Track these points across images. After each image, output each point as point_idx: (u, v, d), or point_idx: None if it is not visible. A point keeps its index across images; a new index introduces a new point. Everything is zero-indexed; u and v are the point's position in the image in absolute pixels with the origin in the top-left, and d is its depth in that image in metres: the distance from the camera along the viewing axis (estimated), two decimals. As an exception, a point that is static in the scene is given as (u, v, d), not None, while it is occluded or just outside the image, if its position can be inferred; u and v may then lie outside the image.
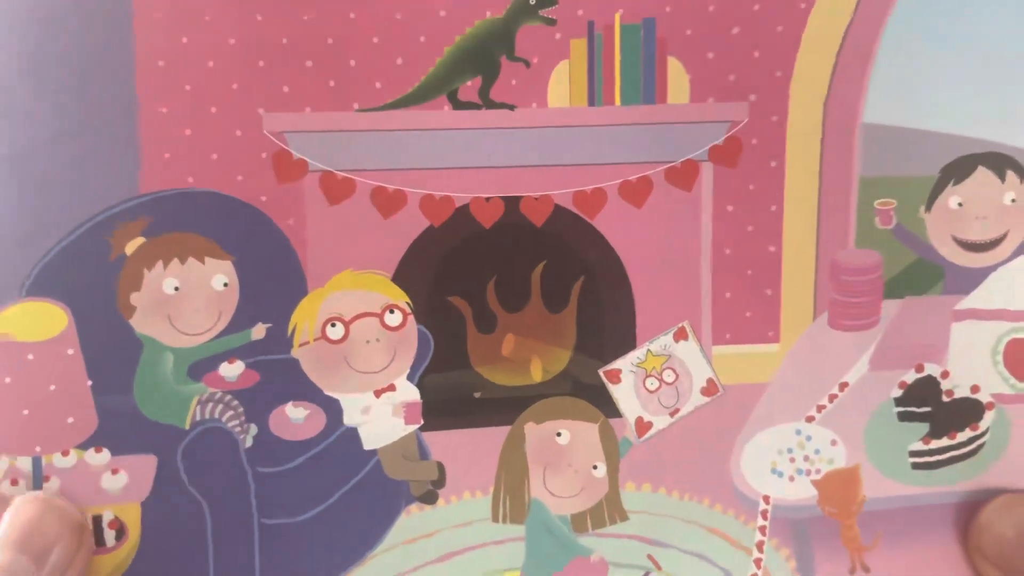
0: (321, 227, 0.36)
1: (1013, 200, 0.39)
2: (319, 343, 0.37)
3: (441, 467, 0.38)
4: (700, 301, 0.39)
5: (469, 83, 0.37)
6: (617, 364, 0.39)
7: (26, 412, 0.35)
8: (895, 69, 0.38)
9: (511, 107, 0.37)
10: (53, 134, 0.34)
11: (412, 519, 0.38)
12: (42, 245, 0.34)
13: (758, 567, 0.39)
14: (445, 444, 0.38)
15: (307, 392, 0.37)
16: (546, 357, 0.38)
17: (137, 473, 0.36)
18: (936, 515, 0.40)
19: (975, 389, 0.40)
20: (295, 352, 0.36)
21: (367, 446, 0.37)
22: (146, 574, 0.36)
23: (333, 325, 0.37)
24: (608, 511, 0.39)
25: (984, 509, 0.39)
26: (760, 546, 0.39)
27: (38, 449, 0.35)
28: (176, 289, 0.36)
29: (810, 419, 0.40)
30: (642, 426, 0.39)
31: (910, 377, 0.40)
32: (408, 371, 0.37)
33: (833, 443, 0.40)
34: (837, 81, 0.38)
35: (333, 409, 0.37)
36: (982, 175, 0.39)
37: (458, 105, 0.37)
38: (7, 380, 0.35)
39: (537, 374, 0.38)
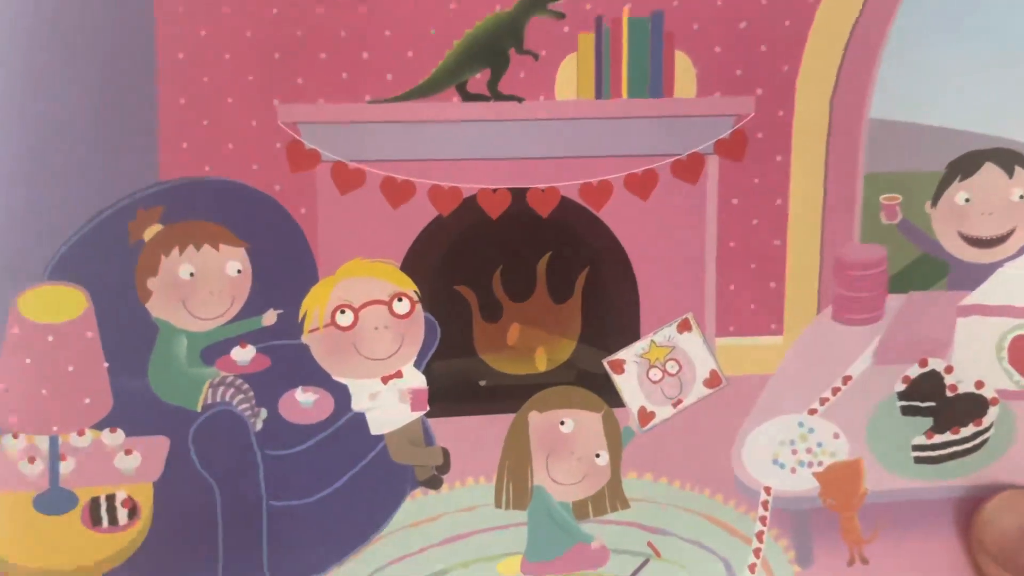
0: (332, 216, 0.39)
1: (1021, 197, 0.41)
2: (329, 330, 0.39)
3: (446, 453, 0.40)
4: (704, 293, 0.41)
5: (478, 75, 0.39)
6: (621, 354, 0.41)
7: (45, 392, 0.38)
8: (902, 64, 0.40)
9: (519, 99, 0.39)
10: (76, 125, 0.37)
11: (417, 503, 0.40)
12: (64, 231, 0.37)
13: (757, 557, 0.41)
14: (450, 430, 0.40)
15: (316, 377, 0.39)
16: (551, 346, 0.41)
17: (150, 454, 0.39)
18: (937, 509, 0.42)
19: (979, 385, 0.42)
20: (305, 338, 0.39)
21: (374, 431, 0.40)
22: (157, 552, 0.39)
23: (343, 312, 0.39)
24: (610, 499, 0.41)
25: (986, 504, 0.41)
26: (760, 536, 0.42)
27: (55, 428, 0.38)
28: (191, 275, 0.38)
29: (813, 412, 0.42)
30: (645, 416, 0.41)
31: (914, 372, 0.42)
32: (415, 358, 0.40)
33: (836, 436, 0.42)
34: (844, 76, 0.40)
35: (341, 394, 0.40)
36: (990, 171, 0.41)
37: (467, 97, 0.39)
38: (27, 361, 0.38)
39: (542, 363, 0.41)
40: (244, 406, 0.39)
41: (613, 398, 0.41)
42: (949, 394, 0.42)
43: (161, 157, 0.38)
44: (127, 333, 0.38)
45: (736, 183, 0.41)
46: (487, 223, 0.40)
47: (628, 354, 0.41)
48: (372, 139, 0.39)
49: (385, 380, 0.40)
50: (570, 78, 0.39)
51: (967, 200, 0.41)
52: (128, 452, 0.39)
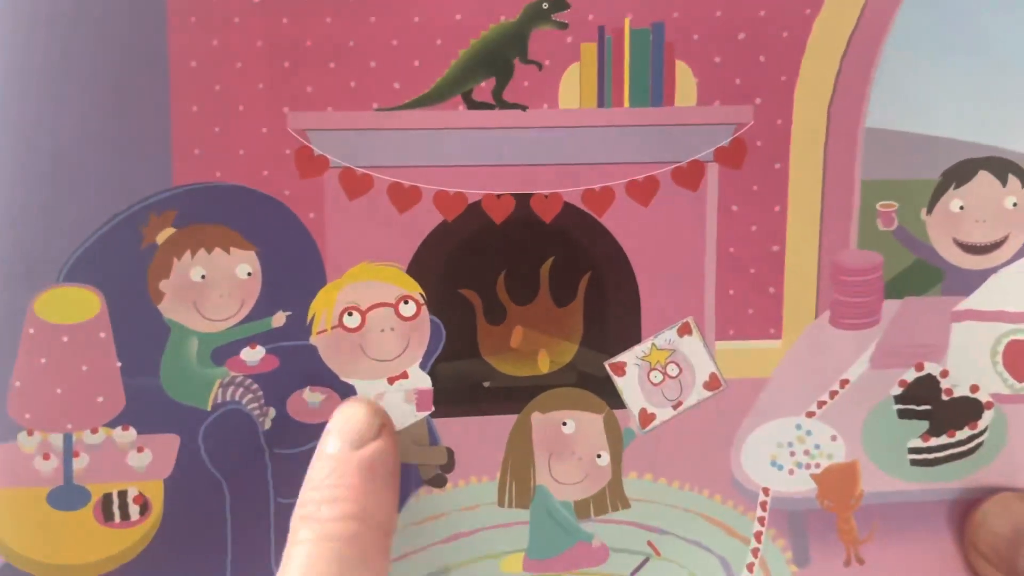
0: (340, 220, 0.41)
1: (1015, 204, 0.43)
2: (336, 331, 0.41)
3: (450, 452, 0.42)
4: (704, 298, 0.43)
5: (483, 84, 0.41)
6: (622, 357, 0.43)
7: (59, 391, 0.40)
8: (898, 74, 0.41)
9: (523, 108, 0.41)
10: (91, 130, 0.39)
11: (421, 501, 0.42)
12: (79, 234, 0.39)
13: (755, 556, 0.43)
14: (454, 430, 0.42)
15: (324, 378, 0.41)
16: (553, 349, 0.42)
17: (161, 451, 0.40)
18: (932, 511, 0.43)
19: (974, 388, 0.44)
20: (313, 339, 0.41)
21: (380, 431, 0.42)
22: (168, 547, 0.40)
23: (350, 314, 0.41)
24: (610, 498, 0.43)
25: (981, 506, 0.43)
26: (758, 536, 0.43)
27: (69, 426, 0.40)
28: (202, 277, 0.40)
29: (810, 415, 0.43)
30: (646, 417, 0.43)
31: (910, 375, 0.43)
32: (420, 360, 0.42)
33: (833, 438, 0.43)
34: (841, 86, 0.41)
35: (348, 394, 0.41)
36: (984, 179, 0.42)
37: (472, 105, 0.41)
38: (43, 360, 0.39)
39: (544, 365, 0.42)
40: (253, 405, 0.41)
41: (614, 400, 0.43)
42: (944, 398, 0.44)
43: (174, 163, 0.40)
44: (140, 334, 0.40)
45: (736, 190, 0.42)
46: (491, 228, 0.42)
47: (629, 357, 0.43)
48: (379, 146, 0.41)
49: (391, 381, 0.42)
50: (573, 87, 0.41)
51: (961, 207, 0.43)
52: (140, 450, 0.40)
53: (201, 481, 0.40)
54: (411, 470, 0.42)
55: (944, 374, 0.43)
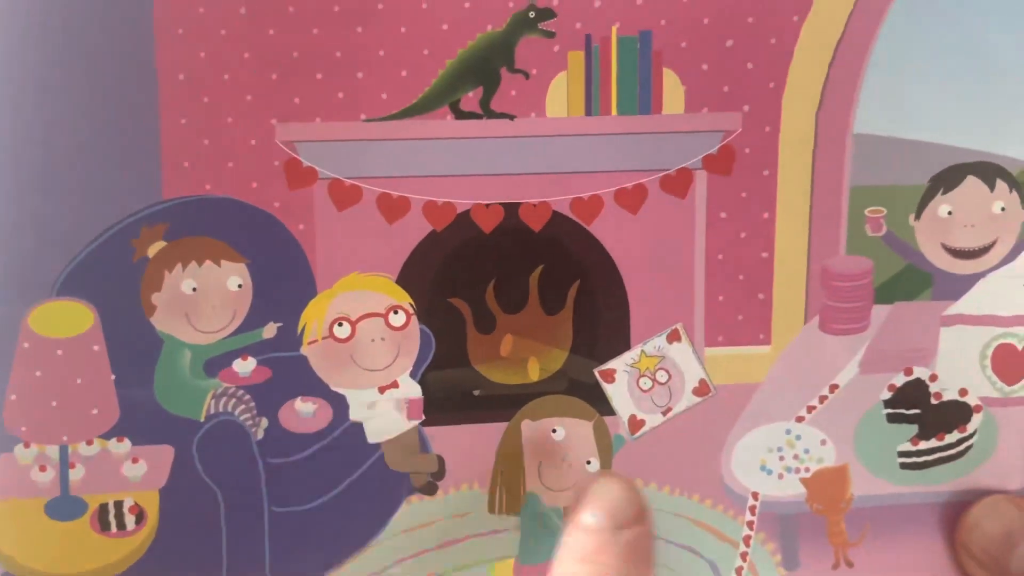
0: (330, 231, 0.42)
1: (1003, 209, 0.44)
2: (327, 341, 0.42)
3: (441, 460, 0.43)
4: (693, 304, 0.44)
5: (471, 94, 0.42)
6: (612, 364, 0.44)
7: (54, 404, 0.41)
8: (885, 81, 0.42)
9: (511, 117, 0.42)
10: (81, 144, 0.40)
11: (413, 509, 0.43)
12: (71, 248, 0.40)
13: (744, 560, 0.44)
14: (445, 438, 0.43)
15: (315, 388, 0.42)
16: (543, 357, 0.43)
17: (155, 462, 0.42)
18: (922, 514, 0.45)
19: (963, 392, 0.44)
20: (304, 350, 0.42)
21: (371, 439, 0.43)
22: (163, 556, 0.42)
23: (340, 324, 0.42)
24: (600, 505, 0.44)
25: (972, 509, 0.44)
26: (747, 540, 0.44)
27: (65, 438, 0.41)
28: (194, 290, 0.41)
29: (800, 419, 0.44)
30: (635, 424, 0.44)
31: (899, 380, 0.44)
32: (411, 369, 0.43)
33: (823, 443, 0.44)
34: (829, 92, 0.42)
35: (340, 404, 0.42)
36: (972, 184, 0.43)
37: (460, 115, 0.42)
38: (38, 373, 0.40)
39: (534, 373, 0.44)
40: (246, 416, 0.42)
41: (604, 406, 0.44)
42: (934, 401, 0.45)
43: (164, 176, 0.41)
44: (133, 346, 0.41)
45: (724, 197, 0.43)
46: (480, 237, 0.43)
47: (619, 364, 0.44)
48: (368, 157, 0.42)
49: (382, 390, 0.43)
50: (561, 96, 0.42)
51: (950, 213, 0.44)
52: (135, 460, 0.42)
53: (196, 491, 0.42)
54: (402, 478, 0.43)
55: (933, 378, 0.44)
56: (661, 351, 0.44)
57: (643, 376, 0.44)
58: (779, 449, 0.44)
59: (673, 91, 0.42)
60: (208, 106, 0.40)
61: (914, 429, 0.44)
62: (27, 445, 0.41)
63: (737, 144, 0.42)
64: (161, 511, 0.42)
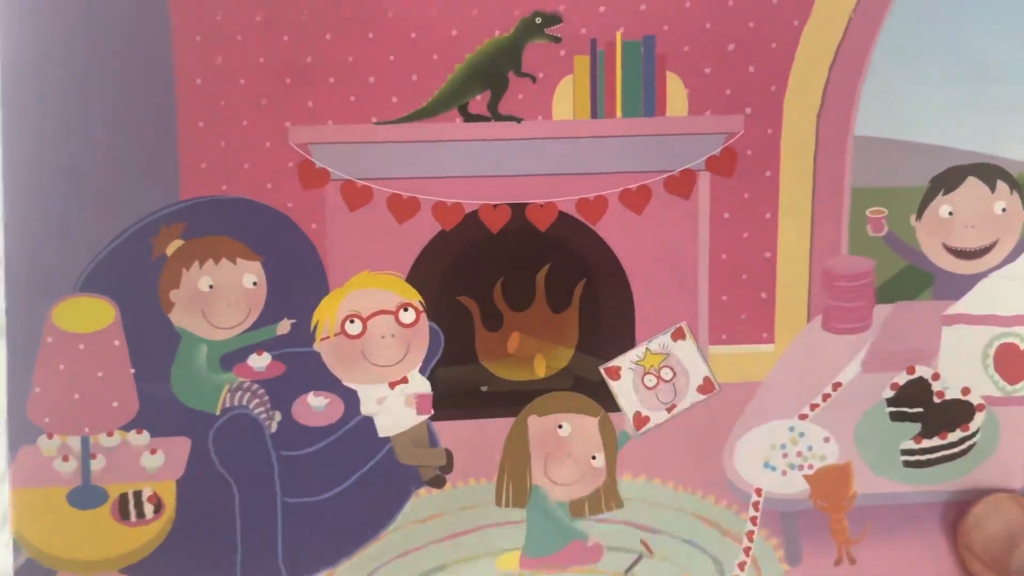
0: (341, 231, 0.43)
1: (1004, 209, 0.45)
2: (339, 338, 0.44)
3: (449, 454, 0.45)
4: (697, 303, 0.45)
5: (479, 97, 0.43)
6: (617, 361, 0.45)
7: (77, 396, 0.43)
8: (886, 84, 0.43)
9: (518, 120, 0.43)
10: (103, 147, 0.42)
11: (421, 501, 0.45)
12: (94, 247, 0.42)
13: (747, 555, 0.45)
14: (453, 433, 0.45)
15: (327, 383, 0.44)
16: (549, 354, 0.45)
17: (173, 453, 0.44)
18: (924, 512, 0.45)
19: (965, 391, 0.45)
20: (317, 346, 0.44)
21: (381, 433, 0.44)
22: (180, 544, 0.44)
23: (352, 322, 0.44)
24: (605, 498, 0.45)
25: (974, 507, 0.45)
26: (750, 536, 0.45)
27: (86, 430, 0.43)
28: (211, 287, 0.43)
29: (803, 417, 0.46)
30: (640, 420, 0.45)
31: (902, 378, 0.45)
32: (420, 365, 0.44)
33: (826, 440, 0.46)
34: (829, 95, 0.43)
35: (351, 399, 0.44)
36: (972, 185, 0.44)
37: (468, 118, 0.43)
38: (61, 367, 0.43)
39: (541, 370, 0.45)
40: (260, 409, 0.44)
41: (609, 403, 0.45)
42: (936, 400, 0.45)
43: (182, 177, 0.43)
44: (152, 342, 0.43)
45: (727, 198, 0.44)
46: (488, 237, 0.44)
47: (624, 361, 0.45)
48: (379, 158, 0.43)
49: (392, 386, 0.44)
50: (567, 99, 0.43)
51: (951, 213, 0.45)
52: (153, 452, 0.44)
53: (211, 481, 0.44)
54: (411, 471, 0.45)
55: (936, 377, 0.45)
56: (666, 349, 0.45)
57: (648, 373, 0.45)
58: (782, 446, 0.45)
59: (676, 94, 0.43)
60: (224, 109, 0.42)
61: (917, 427, 0.45)
62: (50, 436, 0.43)
63: (739, 146, 0.44)
64: (178, 501, 0.43)
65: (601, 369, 0.45)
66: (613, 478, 0.45)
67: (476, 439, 0.44)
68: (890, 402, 0.45)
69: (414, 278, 0.44)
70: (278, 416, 0.44)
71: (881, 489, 0.45)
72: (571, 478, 0.45)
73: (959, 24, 0.43)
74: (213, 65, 0.42)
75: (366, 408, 0.44)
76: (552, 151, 0.43)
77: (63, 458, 0.43)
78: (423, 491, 0.45)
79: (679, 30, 0.43)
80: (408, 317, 0.44)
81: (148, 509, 0.43)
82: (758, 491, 0.45)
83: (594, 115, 0.43)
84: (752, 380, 0.45)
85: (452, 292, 0.44)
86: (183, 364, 0.43)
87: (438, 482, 0.44)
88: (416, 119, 0.43)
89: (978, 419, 0.45)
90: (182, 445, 0.43)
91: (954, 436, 0.45)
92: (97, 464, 0.43)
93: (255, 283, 0.43)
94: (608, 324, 0.45)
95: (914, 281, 0.45)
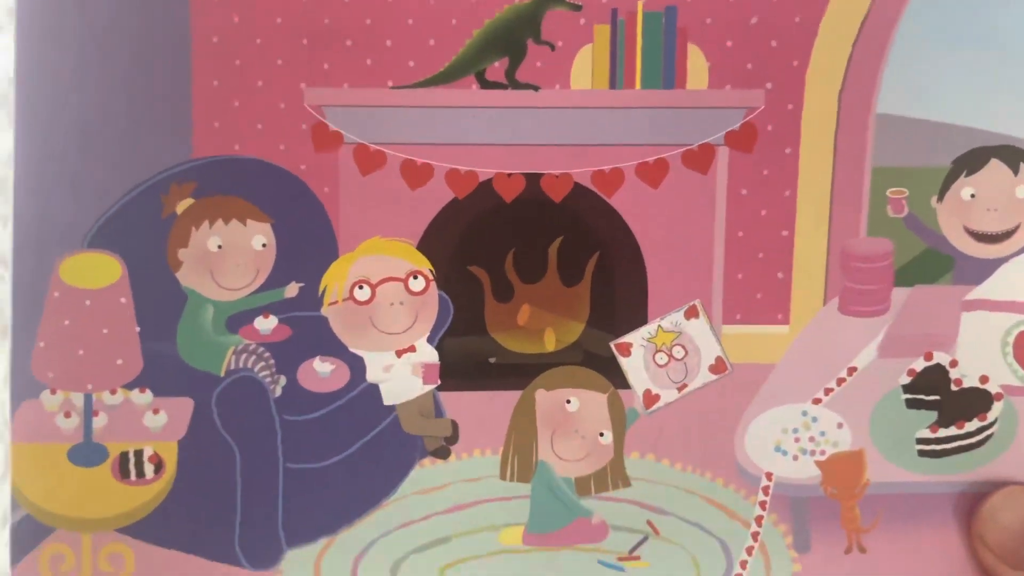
0: (353, 195, 0.44)
1: (1028, 194, 0.44)
2: (347, 304, 0.44)
3: (455, 425, 0.45)
4: (712, 281, 0.45)
5: (496, 64, 0.43)
6: (628, 338, 0.45)
7: (81, 352, 0.43)
8: (910, 61, 0.43)
9: (535, 88, 0.43)
10: (117, 105, 0.42)
11: (425, 472, 0.45)
12: (103, 202, 0.42)
13: (755, 540, 0.45)
14: (460, 404, 0.45)
15: (334, 348, 0.44)
16: (559, 328, 0.45)
17: (176, 414, 0.44)
18: (938, 502, 0.45)
19: (984, 379, 0.45)
20: (325, 311, 0.44)
21: (387, 402, 0.45)
22: (180, 506, 0.44)
23: (361, 287, 0.44)
24: (612, 476, 0.45)
25: (989, 499, 0.44)
26: (759, 520, 0.45)
27: (90, 387, 0.43)
28: (219, 247, 0.43)
29: (817, 401, 0.45)
30: (650, 398, 0.45)
31: (919, 365, 0.45)
32: (428, 334, 0.44)
33: (839, 426, 0.45)
34: (852, 72, 0.43)
35: (357, 366, 0.44)
36: (995, 167, 0.44)
37: (485, 84, 0.43)
38: (66, 322, 0.43)
39: (550, 343, 0.45)
40: (265, 373, 0.44)
41: (619, 380, 0.45)
42: (954, 388, 0.45)
43: (194, 136, 0.43)
44: (158, 300, 0.43)
45: (745, 174, 0.44)
46: (502, 207, 0.44)
47: (635, 338, 0.45)
48: (393, 123, 0.43)
49: (399, 354, 0.45)
50: (585, 68, 0.43)
51: (973, 196, 0.44)
52: (156, 411, 0.44)
53: (213, 443, 0.44)
54: (416, 441, 0.45)
55: (953, 364, 0.45)
56: (678, 327, 0.45)
57: (659, 351, 0.45)
58: (795, 431, 0.45)
59: (697, 67, 0.43)
60: (240, 69, 0.42)
61: (933, 416, 0.45)
62: (53, 392, 0.43)
63: (760, 121, 0.44)
64: (179, 462, 0.44)
65: (612, 345, 0.45)
66: (620, 456, 0.45)
67: (483, 411, 0.44)
68: (906, 389, 0.45)
69: (425, 246, 0.44)
70: (283, 380, 0.44)
71: (894, 478, 0.45)
72: (578, 455, 0.45)
73: (986, 1, 0.42)
74: (230, 24, 0.42)
75: (372, 375, 0.44)
76: (569, 121, 0.43)
77: (65, 414, 0.43)
78: (427, 462, 0.45)
79: (701, 2, 0.43)
80: (418, 285, 0.44)
81: (148, 469, 0.43)
82: (768, 475, 0.45)
83: (613, 86, 0.43)
84: (766, 362, 0.45)
85: (463, 261, 0.44)
86: (189, 324, 0.43)
87: (443, 453, 0.44)
88: (432, 84, 0.43)
89: (996, 408, 0.45)
90: (185, 406, 0.44)
91: (971, 426, 0.45)
92: (99, 422, 0.43)
93: (264, 245, 0.43)
94: (620, 299, 0.45)
95: (934, 264, 0.45)
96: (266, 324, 0.44)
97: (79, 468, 0.43)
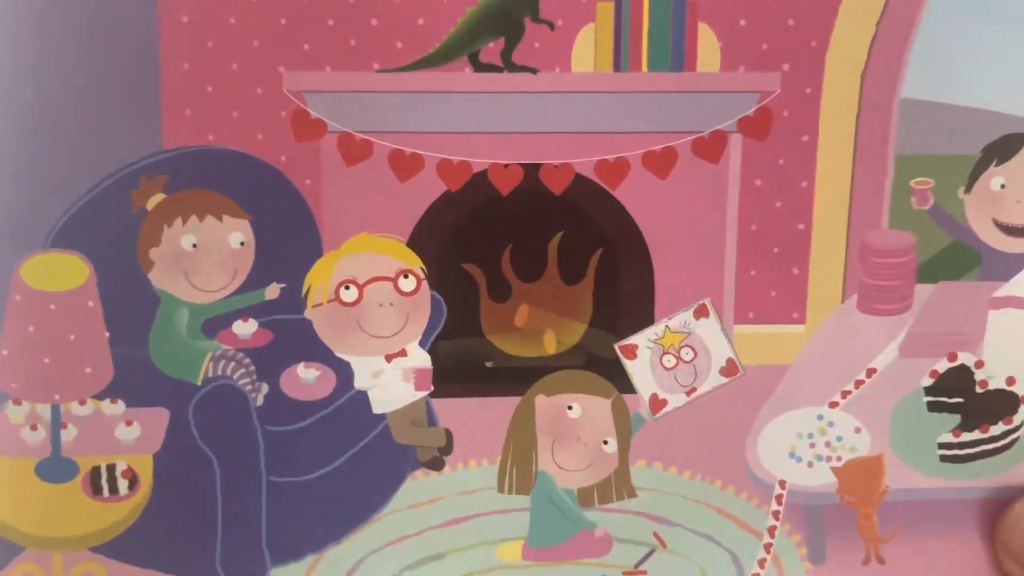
0: (338, 188, 0.41)
1: (1062, 184, 0.42)
2: (332, 305, 0.42)
3: (449, 434, 0.43)
4: (723, 278, 0.43)
5: (491, 45, 0.41)
6: (634, 339, 0.43)
7: (47, 360, 0.41)
8: (937, 41, 0.41)
9: (534, 71, 0.41)
10: (78, 87, 0.40)
11: (418, 484, 0.43)
12: (67, 198, 0.40)
13: (767, 551, 0.44)
14: (454, 412, 0.43)
15: (319, 353, 0.42)
16: (560, 329, 0.43)
17: (150, 425, 0.42)
18: (961, 510, 0.44)
19: (1011, 381, 0.44)
20: (308, 313, 0.42)
21: (376, 410, 0.43)
22: (157, 524, 0.42)
23: (347, 288, 0.42)
24: (616, 487, 0.43)
25: (1014, 506, 0.43)
26: (772, 531, 0.44)
27: (57, 397, 0.41)
28: (194, 246, 0.41)
29: (834, 405, 0.44)
30: (657, 403, 0.43)
31: (942, 366, 0.44)
32: (420, 337, 0.43)
33: (857, 431, 0.44)
34: (876, 52, 0.41)
35: (344, 371, 0.42)
36: (1028, 156, 0.42)
37: (479, 67, 0.41)
38: (30, 329, 0.41)
39: (550, 346, 0.43)
40: (245, 380, 0.42)
41: (624, 384, 0.44)
42: (979, 390, 0.44)
43: (164, 124, 0.40)
44: (129, 303, 0.41)
45: (760, 163, 0.42)
46: (497, 200, 0.42)
47: (641, 339, 0.43)
48: (380, 110, 0.41)
49: (389, 358, 0.43)
50: (587, 49, 0.41)
51: (1003, 186, 0.43)
52: (128, 423, 0.42)
53: (191, 457, 0.42)
54: (408, 451, 0.43)
55: (979, 365, 0.44)
56: (687, 327, 0.43)
57: (667, 353, 0.43)
58: (810, 436, 0.44)
59: (708, 48, 0.41)
60: (212, 51, 0.40)
61: (956, 419, 0.44)
62: (18, 403, 0.41)
63: (775, 106, 0.42)
64: (155, 477, 0.42)
65: (616, 347, 0.43)
66: (626, 465, 0.43)
67: (478, 419, 0.43)
68: (928, 391, 0.44)
69: (416, 242, 0.42)
70: (265, 388, 0.42)
71: (914, 484, 0.44)
72: (580, 464, 0.43)
73: (1022, -23, 0.40)
74: (201, 1, 0.40)
75: (360, 382, 0.42)
76: (570, 107, 0.41)
77: (31, 427, 0.41)
78: (420, 473, 0.43)
79: (713, -23, 0.40)
80: (408, 285, 0.42)
81: (122, 485, 0.41)
82: (782, 483, 0.44)
83: (617, 68, 0.41)
84: (780, 363, 0.43)
85: (457, 259, 0.42)
86: (162, 329, 0.41)
87: (436, 464, 0.43)
88: (422, 67, 0.41)
89: (1023, 412, 0.43)
90: (160, 417, 0.42)
91: (996, 430, 0.44)
92: (68, 434, 0.42)
93: (242, 243, 0.41)
94: (625, 298, 0.43)
95: (960, 259, 0.43)
96: (246, 328, 0.42)
97: (48, 484, 0.41)
